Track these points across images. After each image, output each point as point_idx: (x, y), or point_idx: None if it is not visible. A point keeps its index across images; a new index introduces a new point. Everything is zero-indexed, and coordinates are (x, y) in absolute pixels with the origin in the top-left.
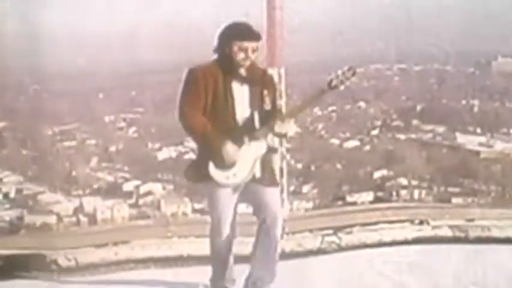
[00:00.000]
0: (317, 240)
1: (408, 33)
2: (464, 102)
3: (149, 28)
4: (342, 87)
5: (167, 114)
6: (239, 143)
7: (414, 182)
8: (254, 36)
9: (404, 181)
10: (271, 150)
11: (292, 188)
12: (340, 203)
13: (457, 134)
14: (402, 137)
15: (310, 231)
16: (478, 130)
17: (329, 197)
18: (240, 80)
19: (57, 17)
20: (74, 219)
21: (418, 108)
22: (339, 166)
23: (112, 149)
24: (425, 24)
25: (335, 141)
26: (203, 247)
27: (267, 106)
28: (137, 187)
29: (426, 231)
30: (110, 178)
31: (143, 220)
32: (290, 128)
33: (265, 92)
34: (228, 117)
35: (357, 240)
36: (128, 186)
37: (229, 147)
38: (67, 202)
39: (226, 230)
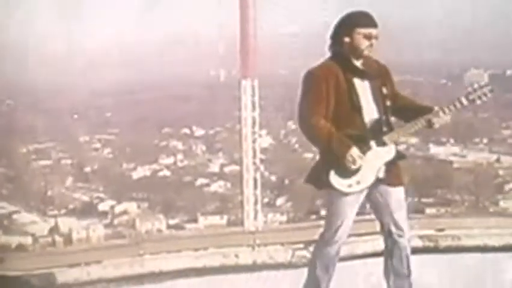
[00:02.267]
0: (288, 254)
1: (383, 45)
2: None
3: (121, 48)
4: (478, 102)
5: (141, 133)
6: (365, 148)
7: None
8: (375, 22)
9: None
10: (399, 156)
11: (266, 200)
12: (314, 217)
13: (430, 145)
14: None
15: (282, 244)
16: (451, 141)
17: (302, 211)
18: (360, 75)
19: (32, 34)
20: (49, 239)
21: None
22: None
23: (87, 169)
24: (400, 36)
25: (309, 155)
26: (175, 262)
27: (388, 103)
28: (112, 207)
29: None
30: (86, 198)
31: (118, 240)
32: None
33: (384, 88)
34: (355, 118)
35: None
36: (103, 206)
37: (355, 154)
38: (42, 222)
39: (342, 238)
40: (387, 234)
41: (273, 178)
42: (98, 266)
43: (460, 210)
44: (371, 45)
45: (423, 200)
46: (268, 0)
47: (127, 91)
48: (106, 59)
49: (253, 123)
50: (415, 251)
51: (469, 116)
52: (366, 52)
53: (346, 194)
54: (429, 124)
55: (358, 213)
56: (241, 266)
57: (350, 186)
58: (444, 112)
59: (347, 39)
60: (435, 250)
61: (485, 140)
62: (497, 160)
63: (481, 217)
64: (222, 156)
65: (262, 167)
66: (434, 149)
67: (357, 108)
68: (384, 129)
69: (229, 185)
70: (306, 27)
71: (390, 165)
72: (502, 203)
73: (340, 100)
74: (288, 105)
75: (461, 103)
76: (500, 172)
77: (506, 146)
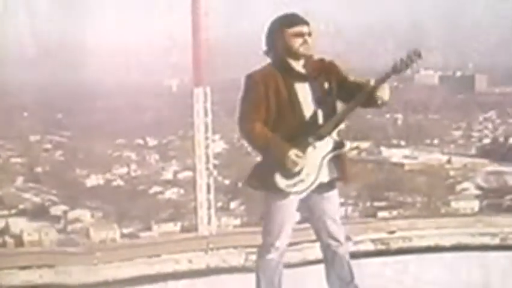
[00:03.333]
0: (241, 258)
1: (334, 49)
2: (388, 116)
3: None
4: (407, 70)
5: (94, 140)
6: (304, 146)
7: (340, 200)
8: (303, 20)
9: None
10: (338, 145)
11: (220, 205)
12: None
13: (382, 148)
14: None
15: (235, 247)
16: (402, 143)
17: (256, 214)
18: (300, 78)
19: None
20: (0, 240)
21: (343, 125)
22: None
23: (39, 169)
24: (353, 41)
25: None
26: (129, 270)
27: (330, 98)
28: (65, 212)
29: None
30: (37, 199)
31: (71, 247)
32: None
33: (326, 83)
34: (296, 120)
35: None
36: (55, 210)
37: (293, 155)
38: None
39: (283, 243)
40: (325, 246)
41: (227, 182)
42: (51, 270)
43: (411, 212)
44: (305, 42)
45: (376, 203)
46: (220, 8)
47: (79, 94)
48: (55, 59)
49: (206, 128)
50: (367, 254)
51: (419, 118)
52: (301, 50)
53: (284, 197)
54: (371, 101)
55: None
56: (194, 270)
57: (294, 185)
58: (379, 83)
59: (279, 43)
60: (387, 253)
61: (436, 141)
62: (448, 161)
63: (433, 218)
64: (175, 164)
65: (215, 172)
66: (386, 152)
67: (298, 111)
68: (321, 123)
69: (182, 191)
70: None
71: (335, 161)
72: (453, 204)
73: (281, 105)
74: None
75: (387, 76)
76: (451, 173)
77: (457, 147)
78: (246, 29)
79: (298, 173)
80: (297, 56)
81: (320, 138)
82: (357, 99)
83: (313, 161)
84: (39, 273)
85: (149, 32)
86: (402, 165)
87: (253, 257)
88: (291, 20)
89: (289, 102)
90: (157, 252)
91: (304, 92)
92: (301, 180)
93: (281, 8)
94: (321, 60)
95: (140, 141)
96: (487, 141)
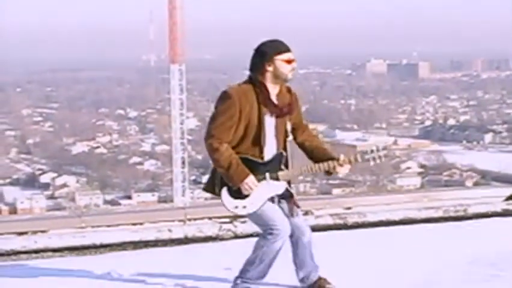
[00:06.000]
0: (216, 228)
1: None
2: (342, 102)
3: (64, 28)
4: (371, 164)
5: (80, 111)
6: (260, 177)
7: (299, 177)
8: (289, 47)
9: None
10: (288, 194)
11: (193, 178)
12: None
13: (337, 131)
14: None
15: (210, 218)
16: (355, 126)
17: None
18: (271, 111)
19: None
20: None
21: (303, 109)
22: None
23: (30, 141)
24: (306, 30)
25: None
26: (114, 235)
27: (289, 138)
28: (53, 179)
29: (311, 221)
30: (29, 169)
31: (59, 212)
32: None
33: (289, 124)
34: (257, 149)
35: (250, 229)
36: (45, 178)
37: (250, 182)
38: None
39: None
40: (291, 232)
41: (199, 157)
42: (44, 235)
43: (362, 190)
44: (293, 69)
45: (331, 182)
46: None
47: (65, 69)
48: (46, 38)
49: (181, 105)
50: (327, 228)
51: (370, 104)
52: (289, 76)
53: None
54: (329, 172)
55: None
56: (173, 239)
57: (236, 207)
58: (349, 162)
59: (269, 68)
60: (345, 227)
61: (384, 125)
62: (395, 142)
63: (381, 195)
64: (153, 137)
65: (189, 147)
66: (340, 135)
67: (260, 142)
68: (281, 165)
69: (159, 163)
70: (230, 16)
71: (285, 199)
72: (398, 181)
73: (248, 131)
74: (212, 89)
75: (356, 160)
76: (397, 153)
77: (402, 129)
78: (221, 11)
79: (244, 197)
80: (283, 81)
81: (276, 179)
82: (323, 167)
83: (262, 195)
84: (34, 239)
85: (129, 11)
86: (354, 146)
87: (226, 227)
88: (281, 47)
89: (256, 130)
90: (138, 220)
91: (270, 125)
92: (244, 207)
93: None
94: (289, 91)
95: (121, 112)
96: (428, 123)
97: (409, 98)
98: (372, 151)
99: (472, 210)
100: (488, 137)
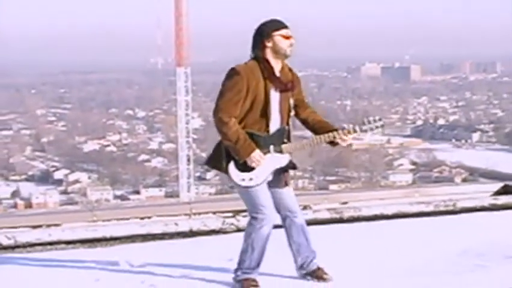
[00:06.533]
0: (219, 222)
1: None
2: (338, 102)
3: (76, 33)
4: (368, 134)
5: (91, 111)
6: (265, 150)
7: (298, 173)
8: (286, 24)
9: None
10: (291, 165)
11: (198, 174)
12: None
13: None
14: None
15: (214, 213)
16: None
17: (228, 184)
18: (276, 86)
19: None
20: (12, 201)
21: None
22: None
23: (44, 139)
24: (305, 35)
25: None
26: (123, 229)
27: (292, 114)
28: (66, 175)
29: (309, 215)
30: (43, 166)
31: (72, 206)
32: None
33: (291, 100)
34: (262, 123)
35: None
36: (58, 175)
37: (257, 155)
38: (5, 186)
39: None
40: (283, 217)
41: (203, 155)
42: (57, 228)
43: (357, 186)
44: (291, 44)
45: (328, 178)
46: None
47: (77, 72)
48: (58, 42)
49: (187, 106)
50: (324, 222)
51: (364, 104)
52: (288, 52)
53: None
54: (333, 143)
55: None
56: (179, 232)
57: (243, 180)
58: (348, 133)
59: (268, 44)
60: (341, 221)
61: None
62: (388, 141)
63: (375, 190)
64: (160, 136)
65: (194, 145)
66: None
67: (266, 116)
68: (284, 139)
69: (166, 161)
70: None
71: (280, 172)
72: (391, 177)
73: (254, 105)
74: (216, 90)
75: (355, 130)
76: (390, 151)
77: (394, 129)
78: (223, 18)
79: (251, 170)
80: (284, 57)
81: (280, 152)
82: (324, 138)
83: (267, 167)
84: (48, 232)
85: (137, 18)
86: (350, 145)
87: (229, 221)
88: (278, 24)
89: (262, 105)
90: (146, 214)
91: (275, 100)
92: (251, 179)
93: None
94: (291, 71)
95: (130, 112)
96: (419, 123)
97: (401, 99)
98: (369, 122)
99: (460, 205)
100: (475, 136)
